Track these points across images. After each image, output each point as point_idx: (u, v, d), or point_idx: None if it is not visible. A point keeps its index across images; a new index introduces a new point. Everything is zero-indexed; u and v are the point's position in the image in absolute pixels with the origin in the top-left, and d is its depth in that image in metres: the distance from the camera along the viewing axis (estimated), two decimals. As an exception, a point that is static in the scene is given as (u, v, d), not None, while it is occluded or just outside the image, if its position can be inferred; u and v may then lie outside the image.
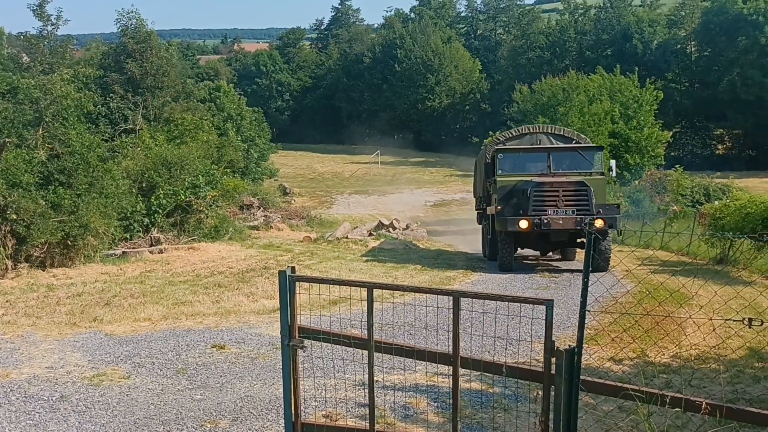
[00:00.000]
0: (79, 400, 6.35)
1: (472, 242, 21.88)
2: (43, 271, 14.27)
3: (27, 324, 9.54)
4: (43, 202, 14.34)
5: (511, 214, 15.17)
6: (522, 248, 16.92)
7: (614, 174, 17.75)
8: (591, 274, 3.97)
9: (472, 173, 22.74)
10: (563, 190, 15.01)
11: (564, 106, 37.67)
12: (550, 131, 18.23)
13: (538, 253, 17.87)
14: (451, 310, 4.16)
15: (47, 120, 15.97)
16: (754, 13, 56.97)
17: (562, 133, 18.32)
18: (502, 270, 15.56)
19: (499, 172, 16.48)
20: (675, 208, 29.17)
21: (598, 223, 14.30)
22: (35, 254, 14.45)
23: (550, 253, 18.36)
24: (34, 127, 15.99)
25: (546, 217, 14.74)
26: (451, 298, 4.20)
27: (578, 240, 16.28)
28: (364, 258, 18.07)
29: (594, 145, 18.61)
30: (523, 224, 14.80)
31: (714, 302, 9.22)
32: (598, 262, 14.46)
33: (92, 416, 5.96)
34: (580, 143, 17.53)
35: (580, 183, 15.13)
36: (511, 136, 18.46)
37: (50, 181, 15.15)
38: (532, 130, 18.39)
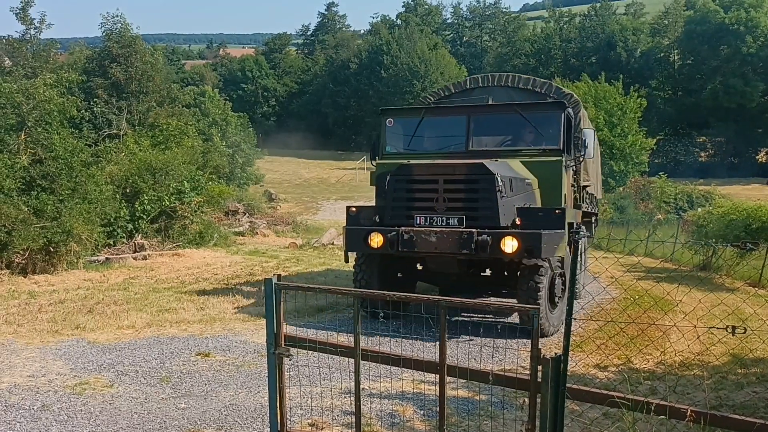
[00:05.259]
0: (60, 410, 6.26)
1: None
2: (25, 277, 14.08)
3: (8, 332, 9.40)
4: (25, 208, 14.18)
5: (368, 222, 9.46)
6: (407, 278, 10.66)
7: (591, 154, 10.46)
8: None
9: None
10: (446, 181, 8.80)
11: (549, 114, 37.97)
12: (512, 84, 11.27)
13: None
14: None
15: (30, 125, 15.81)
16: (735, 22, 57.88)
17: (530, 86, 11.15)
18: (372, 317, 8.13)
19: (387, 149, 10.52)
20: (659, 216, 29.54)
21: (508, 244, 8.24)
22: (17, 261, 14.26)
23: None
24: (16, 131, 15.82)
25: (410, 229, 8.75)
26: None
27: (482, 273, 10.24)
28: (351, 264, 17.98)
29: (548, 101, 10.58)
30: (374, 240, 9.02)
31: (698, 309, 9.32)
32: (523, 316, 8.36)
33: (74, 426, 5.88)
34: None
35: (476, 168, 8.70)
36: (450, 92, 11.75)
37: (32, 186, 14.99)
38: (483, 83, 11.50)
